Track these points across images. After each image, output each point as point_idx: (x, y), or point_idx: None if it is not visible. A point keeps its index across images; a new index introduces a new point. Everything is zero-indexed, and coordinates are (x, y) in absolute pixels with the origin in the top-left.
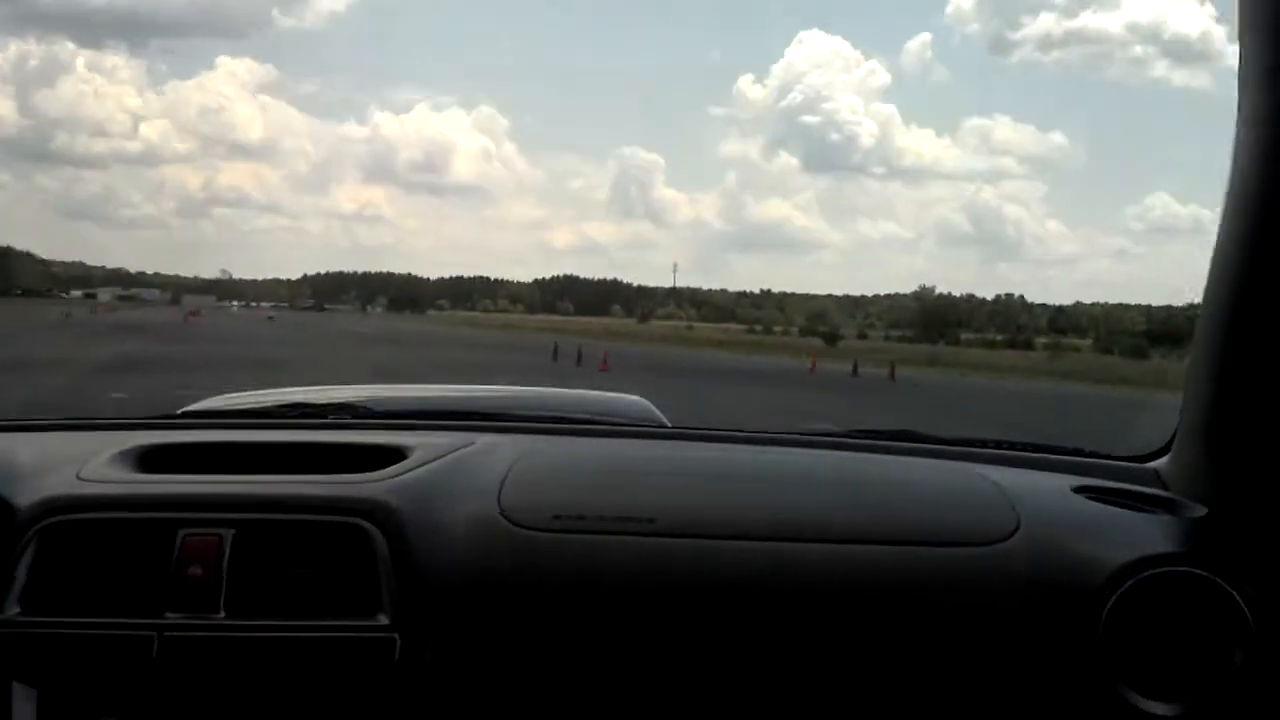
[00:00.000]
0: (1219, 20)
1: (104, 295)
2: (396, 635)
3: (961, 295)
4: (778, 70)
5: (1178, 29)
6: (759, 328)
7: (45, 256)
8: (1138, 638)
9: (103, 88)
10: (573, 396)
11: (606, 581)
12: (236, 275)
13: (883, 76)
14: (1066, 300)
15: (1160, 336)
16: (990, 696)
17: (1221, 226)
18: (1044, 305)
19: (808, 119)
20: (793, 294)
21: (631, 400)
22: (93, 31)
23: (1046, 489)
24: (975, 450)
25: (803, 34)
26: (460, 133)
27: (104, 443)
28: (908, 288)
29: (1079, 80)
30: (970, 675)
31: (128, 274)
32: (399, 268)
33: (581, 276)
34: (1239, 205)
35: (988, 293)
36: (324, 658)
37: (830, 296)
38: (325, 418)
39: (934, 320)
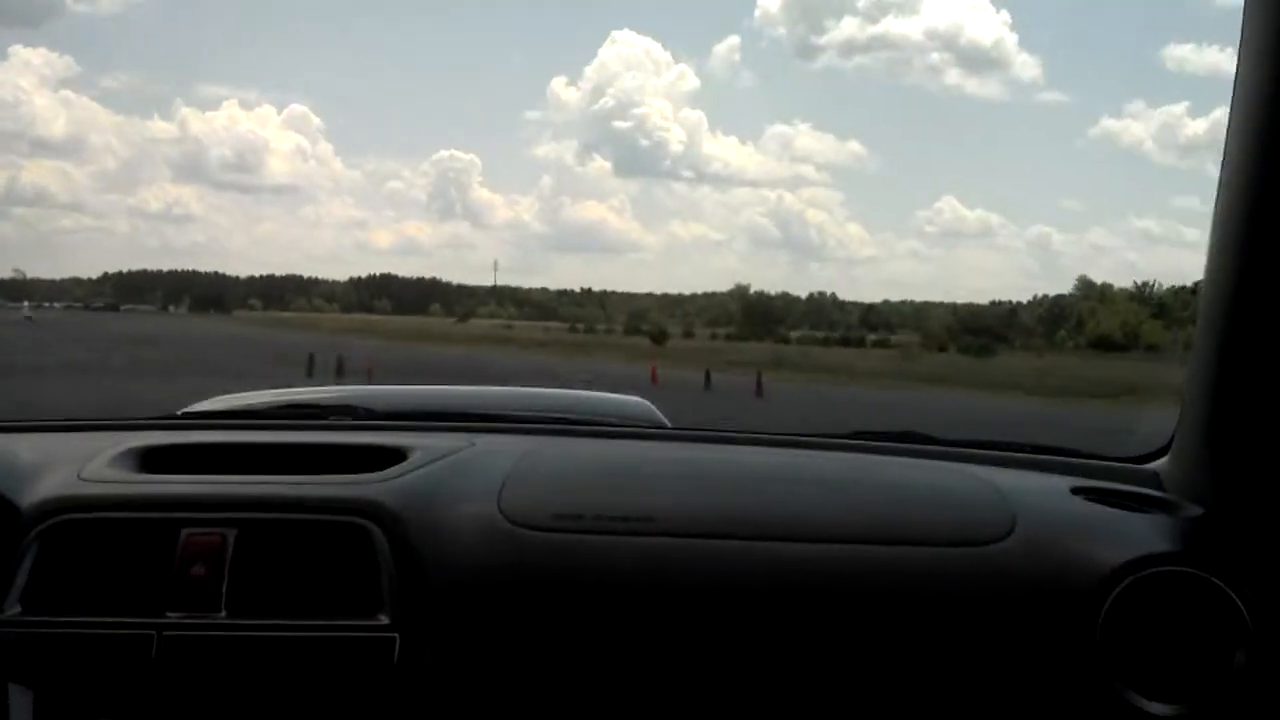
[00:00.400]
0: (1012, 28)
1: None
2: (396, 635)
3: (777, 293)
4: (590, 72)
5: (973, 36)
6: (581, 326)
7: None
8: (1135, 638)
9: None
10: (573, 397)
11: (606, 581)
12: (31, 275)
13: (692, 80)
14: (875, 298)
15: (978, 332)
16: (988, 696)
17: (1215, 229)
18: (854, 303)
19: (619, 124)
20: (614, 293)
21: (631, 401)
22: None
23: (1044, 490)
24: (974, 451)
25: (615, 33)
26: (272, 131)
27: (105, 443)
28: (724, 286)
29: (878, 86)
30: (968, 675)
31: None
32: (208, 266)
33: (400, 275)
34: (1234, 208)
35: (800, 291)
36: (324, 657)
37: (650, 295)
38: (325, 419)
39: (755, 317)
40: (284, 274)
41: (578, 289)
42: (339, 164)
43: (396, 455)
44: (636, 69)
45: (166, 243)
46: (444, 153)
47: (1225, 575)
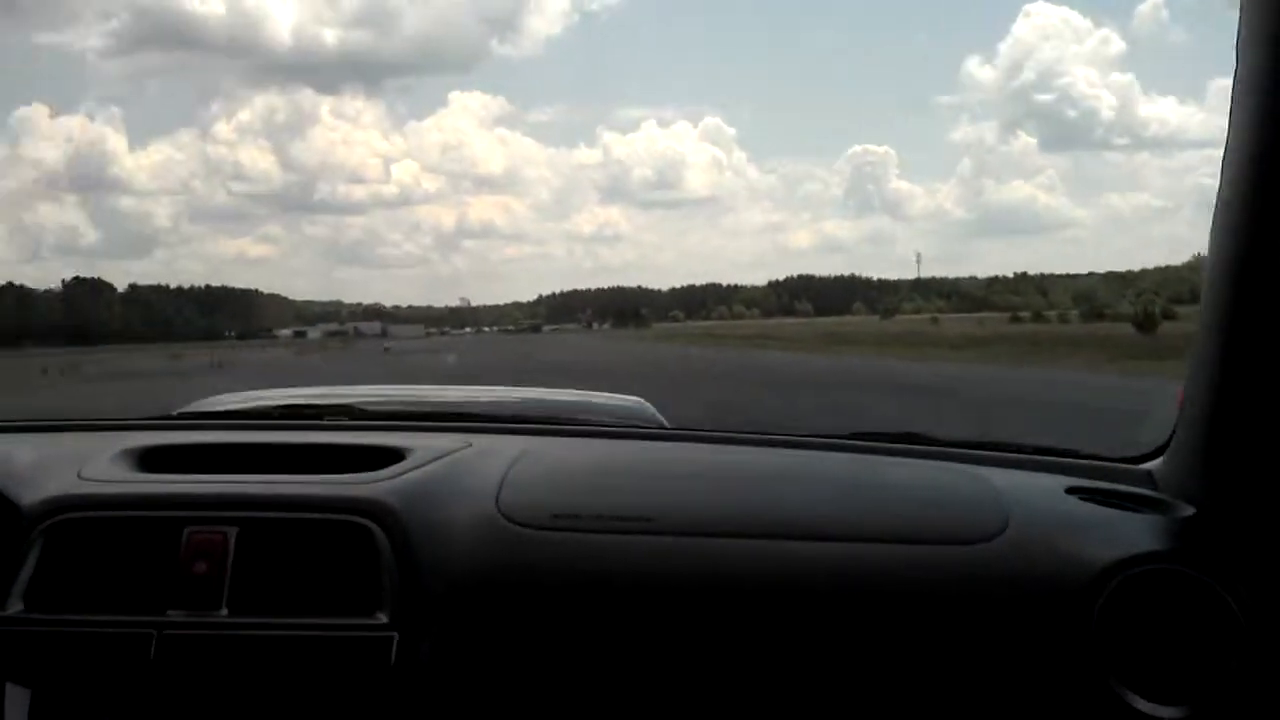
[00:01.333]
0: None
1: (314, 333)
2: (395, 634)
3: None
4: (1005, 49)
5: None
6: (1026, 315)
7: (309, 298)
8: (1129, 637)
9: (350, 134)
10: (571, 397)
11: (604, 581)
12: (475, 303)
13: (1117, 44)
14: None
15: None
16: (983, 694)
17: (1215, 230)
18: None
19: (1042, 97)
20: (1052, 275)
21: (630, 401)
22: (329, 77)
23: (1038, 489)
24: (971, 452)
25: (1028, 6)
26: (689, 146)
27: (105, 443)
28: (1178, 258)
29: None
30: (963, 673)
31: (381, 308)
32: (634, 282)
33: (819, 275)
34: (1234, 208)
35: None
36: (323, 656)
37: (1092, 275)
38: (323, 419)
39: None
40: (704, 283)
41: (1010, 274)
42: (754, 171)
43: (395, 455)
44: (1055, 39)
45: (599, 263)
46: (857, 148)
47: (1218, 575)
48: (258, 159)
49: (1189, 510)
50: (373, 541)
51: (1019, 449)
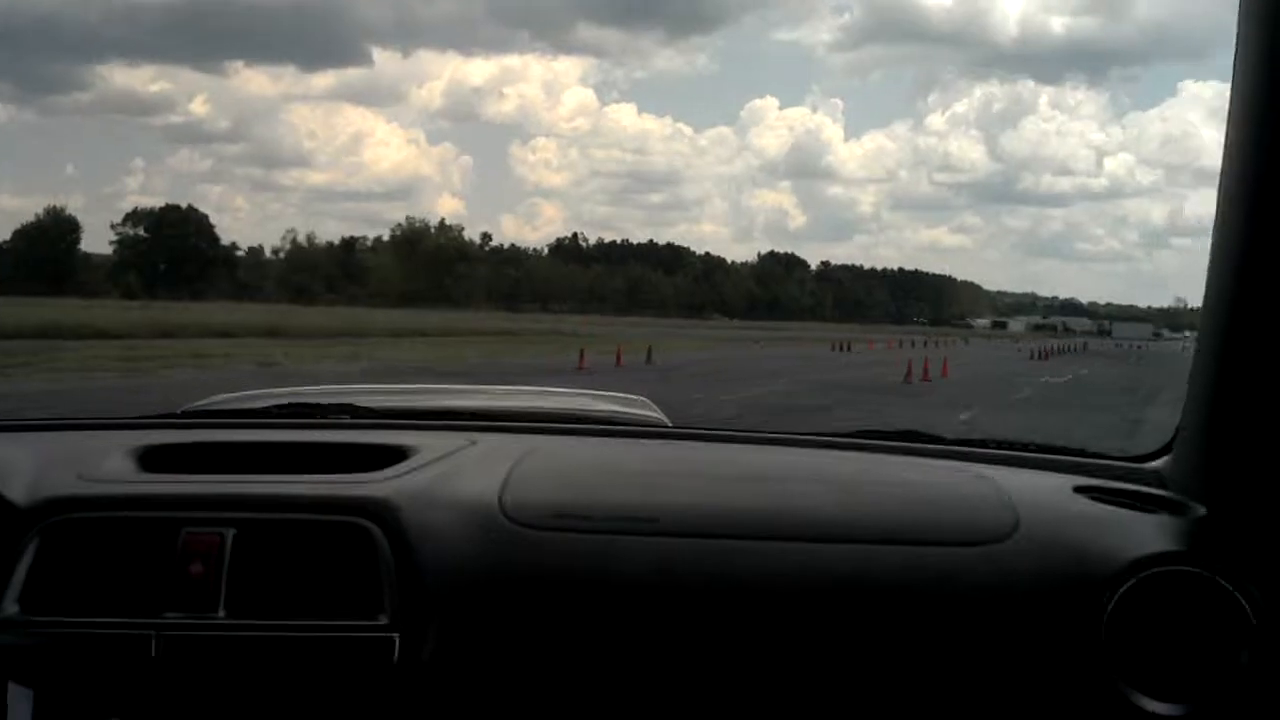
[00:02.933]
0: None
1: (1017, 325)
2: (396, 635)
3: None
4: None
5: None
6: None
7: (1001, 289)
8: (1140, 637)
9: (1065, 125)
10: (574, 396)
11: (608, 581)
12: (1192, 304)
13: None
14: None
15: None
16: (993, 696)
17: (1218, 227)
18: None
19: None
20: None
21: (634, 401)
22: (1052, 67)
23: (1046, 489)
24: (976, 451)
25: None
26: None
27: (104, 442)
28: None
29: None
30: (973, 675)
31: (1076, 303)
32: None
33: None
34: (1235, 206)
35: None
36: (323, 657)
37: None
38: (325, 418)
39: None
40: None
41: None
42: None
43: (397, 454)
44: None
45: None
46: None
47: (1229, 574)
48: (967, 149)
49: (1199, 510)
50: (373, 542)
51: (1023, 447)
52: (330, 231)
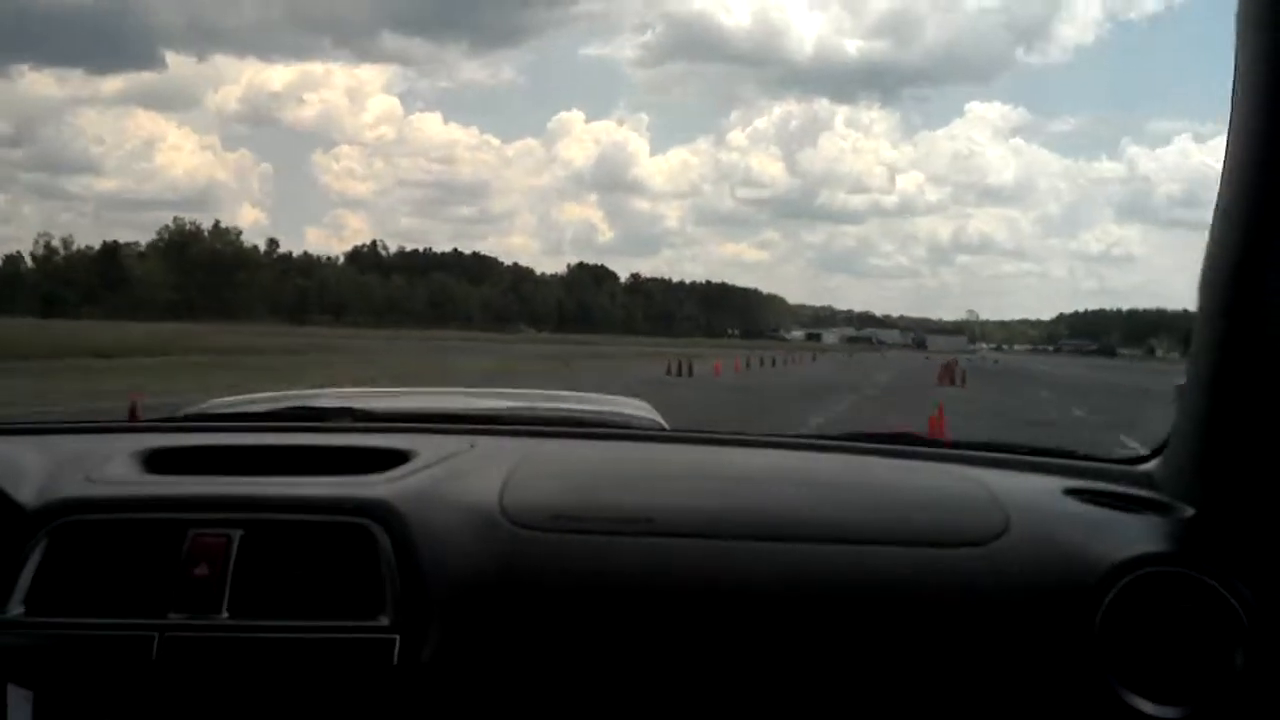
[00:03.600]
0: None
1: (830, 337)
2: (396, 636)
3: None
4: None
5: None
6: None
7: (801, 302)
8: (1130, 639)
9: (859, 142)
10: (573, 399)
11: (606, 582)
12: (983, 317)
13: None
14: None
15: None
16: (983, 698)
17: (1214, 230)
18: None
19: None
20: None
21: (631, 404)
22: (847, 87)
23: (1037, 490)
24: (968, 453)
25: None
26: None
27: (111, 445)
28: None
29: None
30: (963, 677)
31: (873, 316)
32: (1149, 304)
33: None
34: (1232, 208)
35: None
36: (324, 658)
37: None
38: (326, 421)
39: None
40: None
41: None
42: None
43: (398, 457)
44: None
45: (1105, 284)
46: None
47: (1219, 576)
48: (767, 165)
49: (1189, 511)
50: (374, 543)
51: (1014, 449)
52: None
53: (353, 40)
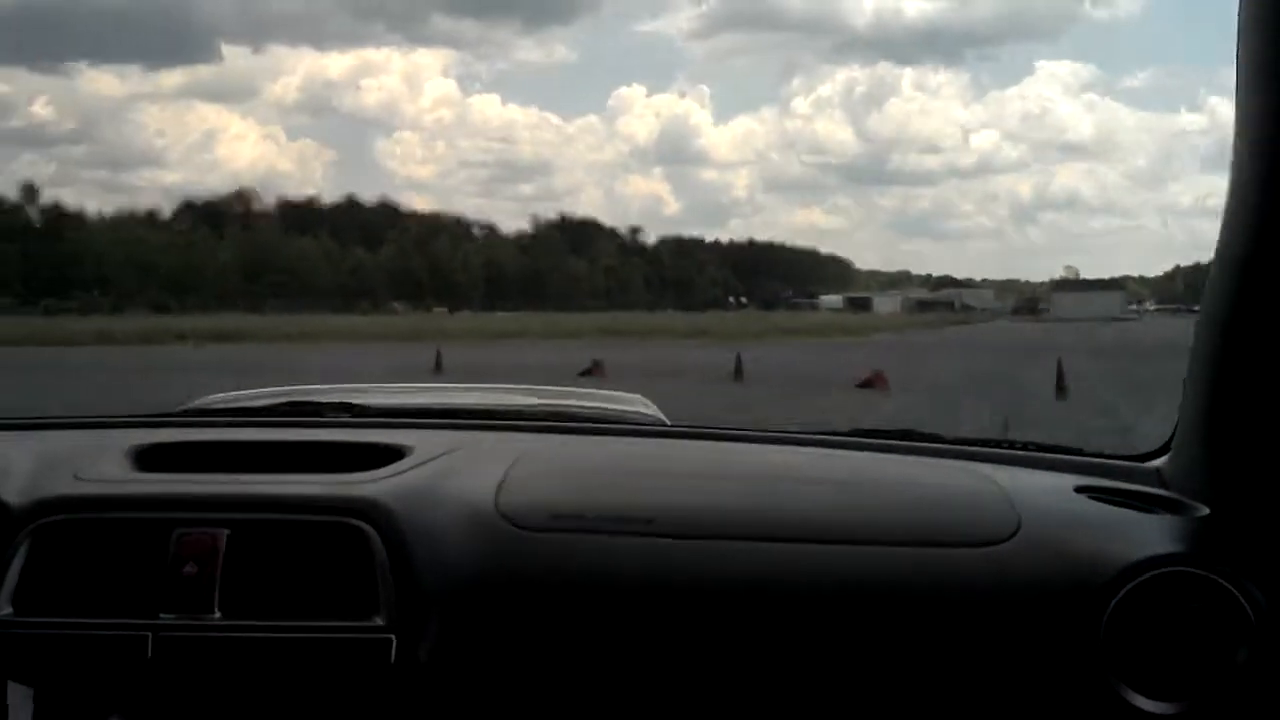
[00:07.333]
0: None
1: (888, 304)
2: (392, 636)
3: None
4: None
5: None
6: None
7: (869, 268)
8: (1140, 638)
9: (928, 104)
10: (571, 395)
11: (604, 581)
12: (1083, 275)
13: None
14: None
15: None
16: (993, 697)
17: (1223, 225)
18: None
19: None
20: None
21: (631, 399)
22: (909, 50)
23: (1047, 489)
24: (976, 450)
25: None
26: None
27: (101, 441)
28: None
29: None
30: (973, 675)
31: (953, 280)
32: None
33: None
34: (1239, 205)
35: None
36: (319, 658)
37: None
38: (323, 416)
39: None
40: None
41: None
42: None
43: (394, 453)
44: None
45: (1196, 238)
46: None
47: (1229, 575)
48: (834, 131)
49: (1201, 510)
50: (368, 543)
51: (1022, 446)
52: None
53: (404, 25)
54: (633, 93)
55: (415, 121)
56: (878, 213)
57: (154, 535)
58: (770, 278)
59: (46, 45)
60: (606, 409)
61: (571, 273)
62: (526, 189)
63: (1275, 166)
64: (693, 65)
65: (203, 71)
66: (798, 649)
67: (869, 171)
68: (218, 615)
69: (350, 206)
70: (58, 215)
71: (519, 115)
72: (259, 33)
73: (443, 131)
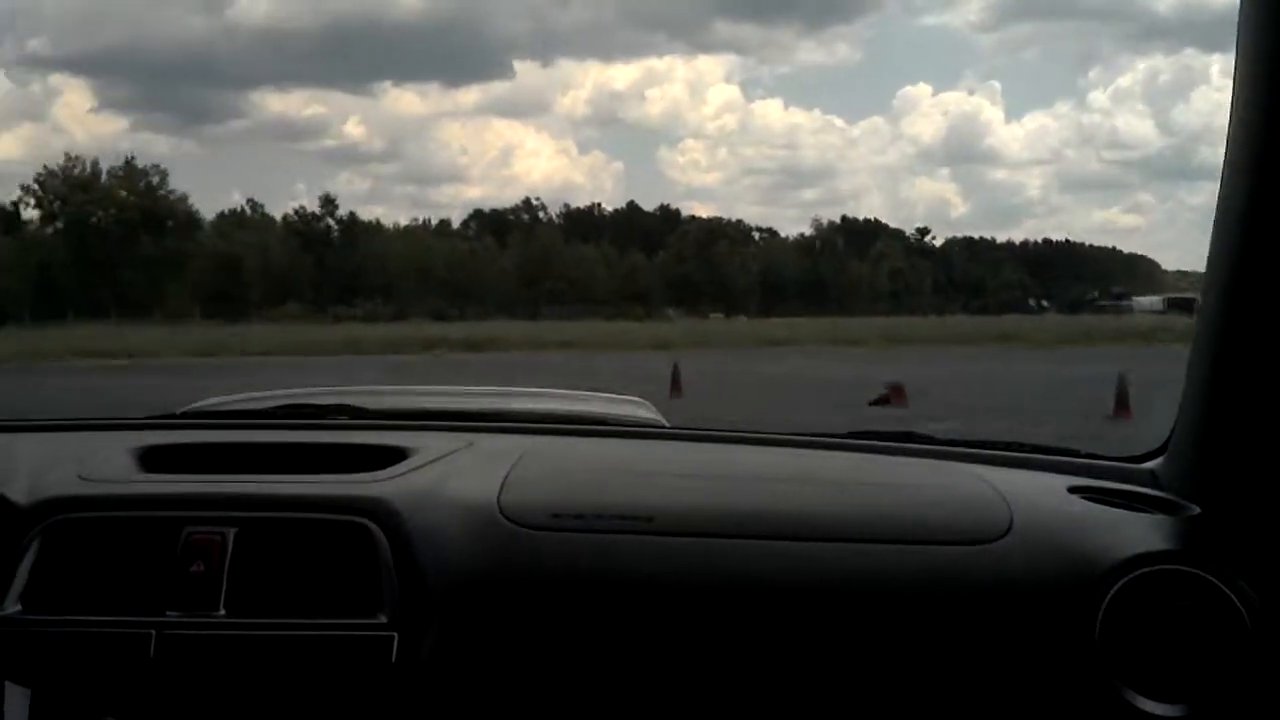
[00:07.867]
0: None
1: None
2: (395, 634)
3: None
4: None
5: None
6: None
7: (1174, 269)
8: (1134, 637)
9: None
10: (571, 397)
11: (605, 580)
12: None
13: None
14: None
15: None
16: (986, 695)
17: (1217, 225)
18: None
19: None
20: None
21: (631, 401)
22: (1217, 35)
23: (1041, 488)
24: (972, 451)
25: None
26: None
27: (105, 442)
28: None
29: None
30: (966, 674)
31: None
32: None
33: None
34: (1234, 204)
35: None
36: (322, 656)
37: None
38: (324, 418)
39: None
40: None
41: None
42: None
43: (396, 455)
44: None
45: None
46: None
47: (1223, 574)
48: (1134, 124)
49: (1194, 509)
50: (372, 541)
51: (1018, 448)
52: None
53: (686, 33)
54: (919, 91)
55: (699, 129)
56: (1184, 211)
57: (163, 534)
58: (1071, 279)
59: (353, 67)
60: (606, 411)
61: (854, 276)
62: (809, 194)
63: (1268, 173)
64: (981, 60)
65: (497, 88)
66: (794, 646)
67: (1174, 166)
68: (222, 613)
69: (631, 212)
70: (352, 226)
71: (803, 119)
72: (546, 48)
73: (726, 138)
